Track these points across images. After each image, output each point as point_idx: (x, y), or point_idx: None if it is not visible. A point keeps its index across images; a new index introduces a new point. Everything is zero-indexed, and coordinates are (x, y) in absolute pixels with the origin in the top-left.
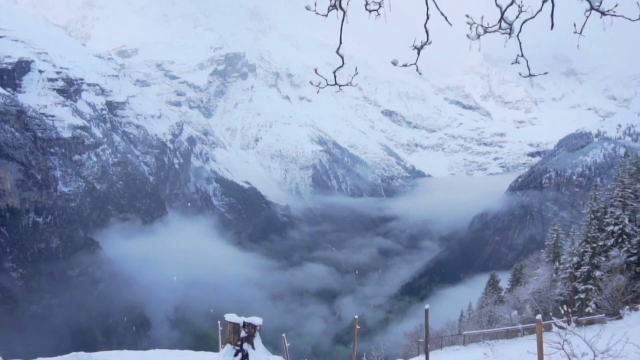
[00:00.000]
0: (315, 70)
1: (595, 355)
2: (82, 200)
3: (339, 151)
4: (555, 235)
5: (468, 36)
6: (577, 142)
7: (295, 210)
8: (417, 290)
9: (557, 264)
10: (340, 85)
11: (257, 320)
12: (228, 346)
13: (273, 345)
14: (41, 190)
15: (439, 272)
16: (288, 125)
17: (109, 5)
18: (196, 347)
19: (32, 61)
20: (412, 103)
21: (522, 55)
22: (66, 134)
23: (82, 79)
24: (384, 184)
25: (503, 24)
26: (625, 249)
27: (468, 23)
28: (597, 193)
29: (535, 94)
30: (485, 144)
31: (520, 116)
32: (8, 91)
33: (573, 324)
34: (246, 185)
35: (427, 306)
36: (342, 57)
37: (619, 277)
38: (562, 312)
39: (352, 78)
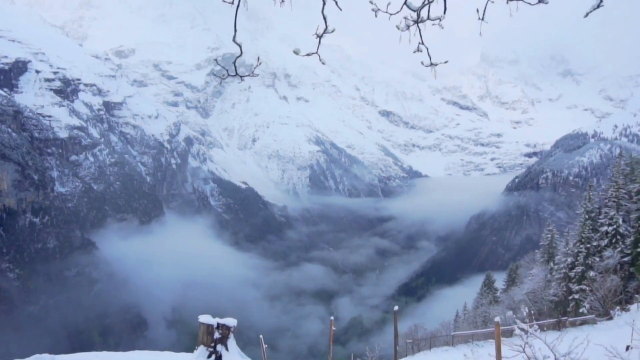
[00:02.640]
0: (216, 61)
1: (556, 358)
2: (79, 201)
3: (336, 151)
4: (549, 236)
5: (397, 27)
6: (573, 142)
7: (292, 211)
8: (414, 290)
9: (551, 264)
10: (241, 76)
11: (231, 322)
12: (201, 347)
13: (270, 346)
14: (38, 191)
15: (436, 272)
16: (285, 125)
17: (106, 5)
18: (193, 347)
19: (29, 61)
20: (410, 103)
21: (422, 43)
22: (63, 134)
23: (79, 79)
24: (381, 184)
25: (432, 14)
26: (619, 249)
27: (373, 10)
28: (591, 193)
29: (532, 95)
30: (482, 145)
31: (517, 117)
32: (5, 91)
33: (535, 327)
34: (243, 186)
35: (396, 307)
36: (240, 46)
37: (613, 277)
38: (525, 314)
39: (255, 68)
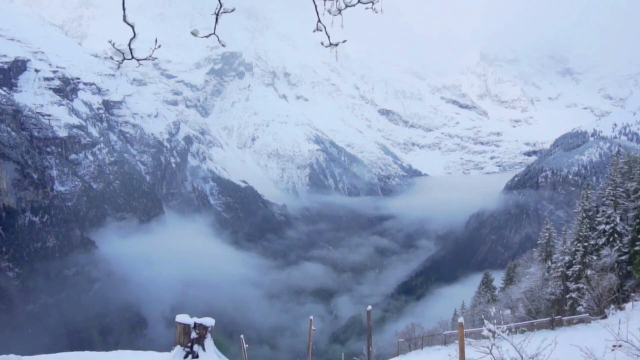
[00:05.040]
0: (112, 44)
1: None
2: (78, 200)
3: (335, 150)
4: (547, 234)
5: (329, 11)
6: (573, 141)
7: (292, 210)
8: (413, 289)
9: (549, 262)
10: (138, 60)
11: (208, 321)
12: (178, 347)
13: (270, 344)
14: (37, 190)
15: (436, 271)
16: (285, 124)
17: (105, 4)
18: None
19: (28, 60)
20: (409, 102)
21: (320, 21)
22: (62, 133)
23: (78, 78)
24: (381, 183)
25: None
26: (617, 247)
27: None
28: (589, 192)
29: (531, 93)
30: (482, 143)
31: (517, 115)
32: (4, 90)
33: (504, 327)
34: (243, 185)
35: (369, 307)
36: (133, 27)
37: (610, 276)
38: (492, 314)
39: (153, 51)
